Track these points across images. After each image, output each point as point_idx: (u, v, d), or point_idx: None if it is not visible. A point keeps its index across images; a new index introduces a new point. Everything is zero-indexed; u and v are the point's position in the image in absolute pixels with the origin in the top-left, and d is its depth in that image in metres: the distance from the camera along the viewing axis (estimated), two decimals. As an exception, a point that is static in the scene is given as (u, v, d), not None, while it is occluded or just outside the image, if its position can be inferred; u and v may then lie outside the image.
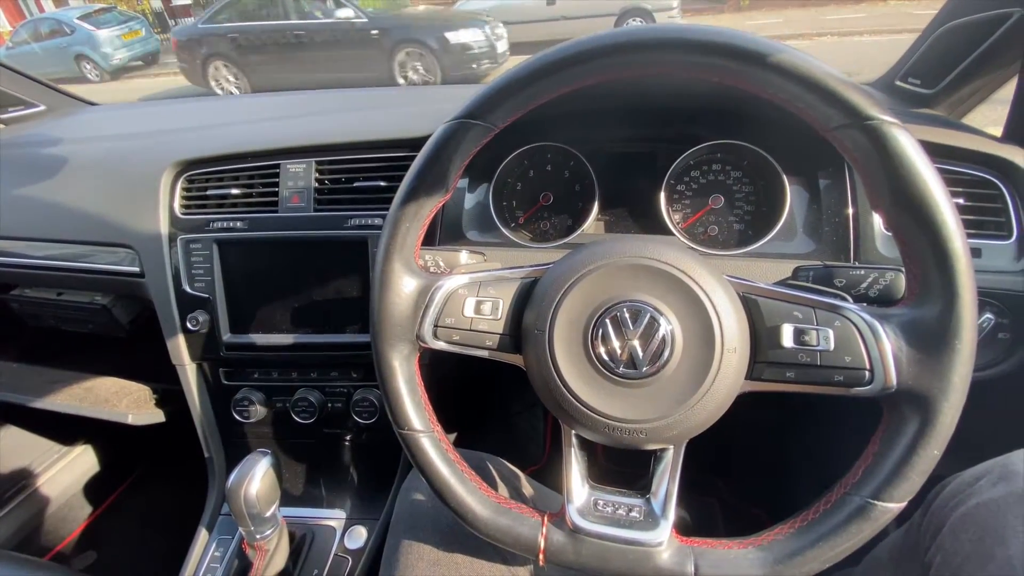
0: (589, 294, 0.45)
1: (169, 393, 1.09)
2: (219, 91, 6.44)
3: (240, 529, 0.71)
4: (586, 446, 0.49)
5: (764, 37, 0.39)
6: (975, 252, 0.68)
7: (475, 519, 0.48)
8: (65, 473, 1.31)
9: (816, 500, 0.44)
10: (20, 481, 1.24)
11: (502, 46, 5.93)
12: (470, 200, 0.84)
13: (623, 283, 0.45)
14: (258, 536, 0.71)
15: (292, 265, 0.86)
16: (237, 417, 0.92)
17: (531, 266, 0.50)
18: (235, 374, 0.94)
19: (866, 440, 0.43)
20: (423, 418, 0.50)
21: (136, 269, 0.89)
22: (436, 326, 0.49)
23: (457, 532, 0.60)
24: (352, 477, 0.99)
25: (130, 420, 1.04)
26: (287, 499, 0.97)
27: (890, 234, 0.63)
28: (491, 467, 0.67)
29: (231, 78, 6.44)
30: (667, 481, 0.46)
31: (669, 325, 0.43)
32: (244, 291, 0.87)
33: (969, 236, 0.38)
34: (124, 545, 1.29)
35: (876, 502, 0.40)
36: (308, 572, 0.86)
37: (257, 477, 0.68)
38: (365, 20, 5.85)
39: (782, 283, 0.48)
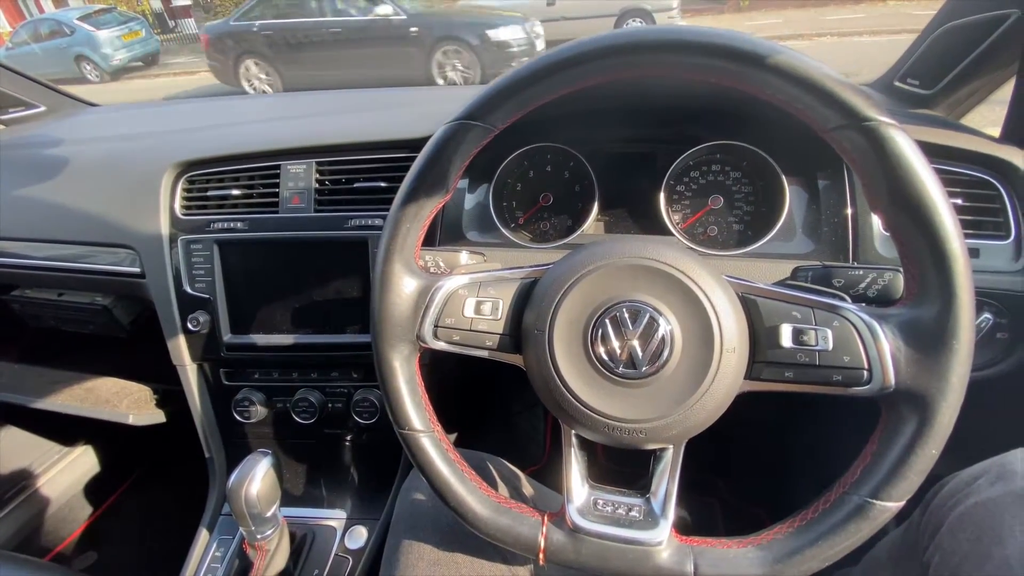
0: (589, 294, 0.45)
1: (170, 393, 1.10)
2: (250, 90, 6.28)
3: (241, 529, 0.71)
4: (586, 446, 0.49)
5: (762, 38, 0.39)
6: (973, 252, 0.68)
7: (475, 519, 0.48)
8: (66, 473, 1.31)
9: (815, 499, 0.44)
10: (21, 481, 1.24)
11: (540, 44, 5.82)
12: (470, 201, 0.84)
13: (623, 283, 0.45)
14: (259, 536, 0.72)
15: (292, 266, 0.86)
16: (238, 417, 0.92)
17: (531, 266, 0.51)
18: (236, 374, 0.94)
19: (864, 440, 0.43)
20: (423, 418, 0.50)
21: (137, 270, 0.89)
22: (436, 326, 0.49)
23: (457, 532, 0.60)
24: (352, 477, 1.00)
25: (131, 420, 1.05)
26: (288, 499, 0.97)
27: (888, 234, 0.63)
28: (491, 467, 0.67)
29: (263, 76, 6.28)
30: (667, 481, 0.46)
31: (668, 325, 0.44)
32: (245, 292, 0.87)
33: (967, 236, 0.38)
34: (124, 545, 1.29)
35: (875, 501, 0.40)
36: (309, 572, 0.86)
37: (258, 477, 0.68)
38: (404, 17, 5.67)
39: (781, 283, 0.48)
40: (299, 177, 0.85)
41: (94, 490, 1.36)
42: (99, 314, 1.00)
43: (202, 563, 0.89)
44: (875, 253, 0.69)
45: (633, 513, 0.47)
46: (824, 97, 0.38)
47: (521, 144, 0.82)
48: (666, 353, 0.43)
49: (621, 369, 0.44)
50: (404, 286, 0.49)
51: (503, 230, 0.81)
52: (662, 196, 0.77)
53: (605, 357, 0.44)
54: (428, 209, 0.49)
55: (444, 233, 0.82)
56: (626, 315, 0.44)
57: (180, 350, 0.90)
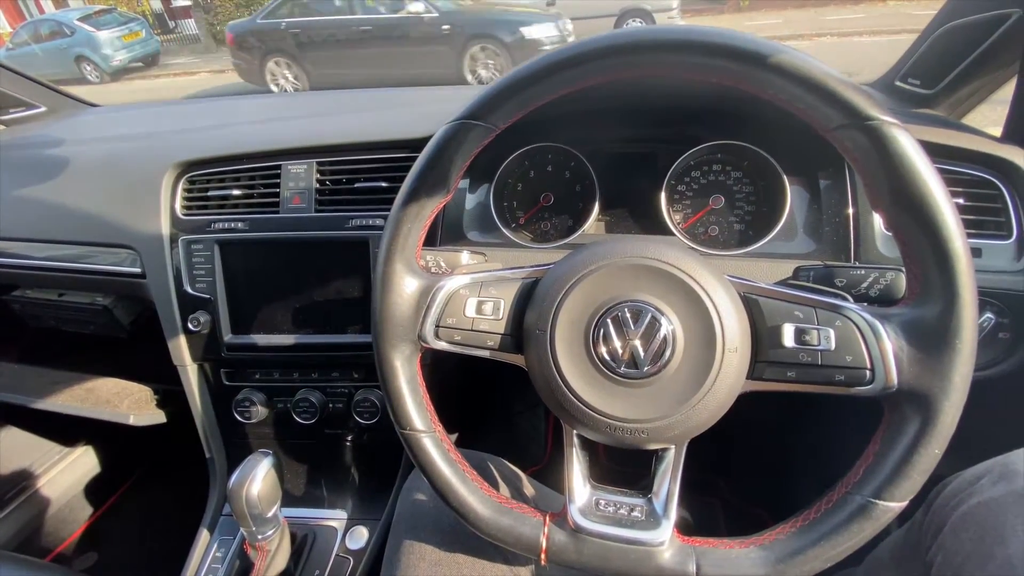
0: (590, 294, 0.45)
1: (170, 394, 1.10)
2: (275, 89, 6.18)
3: (241, 530, 0.71)
4: (588, 446, 0.49)
5: (764, 38, 0.39)
6: (975, 252, 0.68)
7: (477, 519, 0.48)
8: (66, 474, 1.31)
9: (817, 499, 0.44)
10: (21, 482, 1.24)
11: (572, 41, 5.84)
12: (471, 201, 0.84)
13: (624, 283, 0.45)
14: (259, 537, 0.72)
15: (293, 266, 0.86)
16: (238, 418, 0.92)
17: (532, 266, 0.51)
18: (236, 375, 0.94)
19: (867, 439, 0.43)
20: (425, 418, 0.50)
21: (137, 270, 0.89)
22: (438, 326, 0.49)
23: (459, 532, 0.60)
24: (353, 477, 0.99)
25: (131, 421, 1.05)
26: (288, 499, 0.97)
27: (890, 234, 0.63)
28: (492, 467, 0.67)
29: (289, 75, 6.19)
30: (668, 481, 0.46)
31: (670, 325, 0.43)
32: (245, 292, 0.87)
33: (969, 236, 0.38)
34: (125, 546, 1.29)
35: (877, 501, 0.40)
36: (309, 572, 0.86)
37: (258, 478, 0.68)
38: (436, 15, 5.59)
39: (783, 283, 0.48)
40: (300, 177, 0.85)
41: (95, 490, 1.35)
42: (99, 314, 1.00)
43: (203, 564, 0.89)
44: (877, 253, 0.69)
45: (635, 513, 0.47)
46: (826, 96, 0.38)
47: (522, 144, 0.82)
48: (668, 353, 0.43)
49: (623, 369, 0.44)
50: (405, 286, 0.49)
51: (504, 230, 0.81)
52: (663, 196, 0.77)
53: (607, 357, 0.44)
54: (429, 209, 0.48)
55: (445, 233, 0.82)
56: (628, 315, 0.44)
57: (181, 350, 0.90)
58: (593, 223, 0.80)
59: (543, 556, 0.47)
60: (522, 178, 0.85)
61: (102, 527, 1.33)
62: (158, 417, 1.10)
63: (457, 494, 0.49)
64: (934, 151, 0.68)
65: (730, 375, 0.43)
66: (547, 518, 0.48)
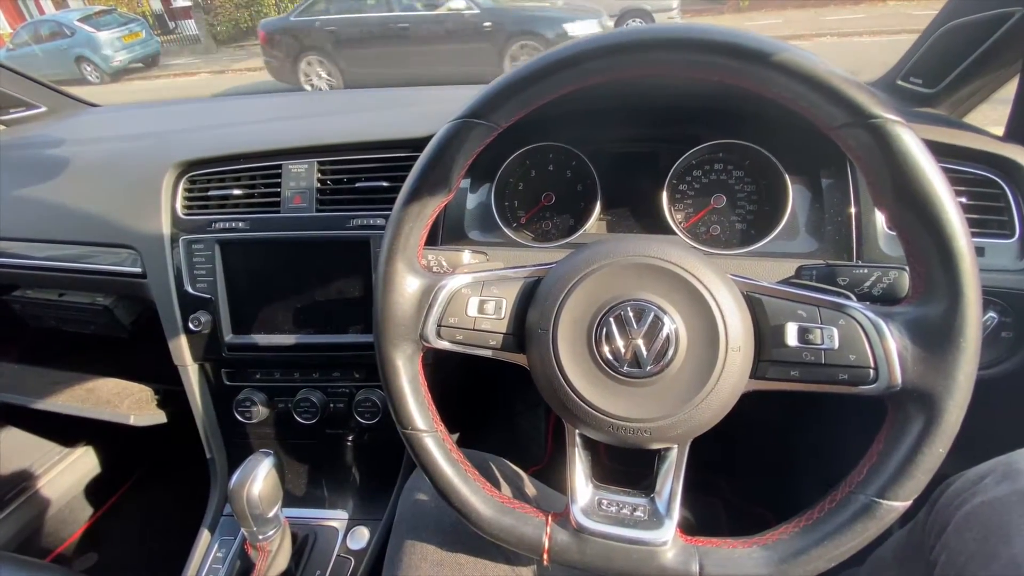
0: (593, 293, 0.45)
1: (171, 394, 1.09)
2: (309, 87, 6.00)
3: (242, 530, 0.71)
4: (590, 445, 0.49)
5: (767, 36, 0.39)
6: (978, 251, 0.67)
7: (479, 519, 0.48)
8: (66, 474, 1.31)
9: (821, 499, 0.44)
10: (21, 482, 1.24)
11: None
12: (472, 200, 0.84)
13: (626, 282, 0.45)
14: (260, 537, 0.71)
15: (294, 265, 0.86)
16: (239, 418, 0.92)
17: (534, 265, 0.50)
18: (237, 375, 0.94)
19: (870, 439, 0.43)
20: (426, 418, 0.50)
21: (138, 270, 0.89)
22: (439, 326, 0.49)
23: (460, 532, 0.60)
24: (354, 477, 0.99)
25: (132, 421, 1.04)
26: (289, 500, 0.97)
27: (893, 233, 0.63)
28: (494, 467, 0.67)
29: (323, 74, 5.96)
30: (671, 480, 0.46)
31: (673, 324, 0.43)
32: (246, 292, 0.87)
33: (972, 235, 0.38)
34: (125, 546, 1.29)
35: (881, 501, 0.40)
36: (310, 573, 0.86)
37: (259, 478, 0.68)
38: (477, 12, 5.40)
39: (786, 282, 0.48)
40: (301, 177, 0.85)
41: (95, 491, 1.35)
42: (100, 314, 1.00)
43: (203, 564, 0.89)
44: (879, 251, 0.69)
45: (638, 513, 0.47)
46: (830, 95, 0.38)
47: (523, 143, 0.82)
48: (671, 352, 0.43)
49: (626, 368, 0.44)
50: (407, 285, 0.49)
51: (505, 230, 0.81)
52: (664, 195, 0.76)
53: (610, 356, 0.44)
54: (431, 208, 0.48)
55: (446, 233, 0.82)
56: (630, 314, 0.44)
57: (181, 350, 0.90)
58: (595, 222, 0.80)
59: (545, 556, 0.46)
60: (523, 177, 0.85)
61: (102, 527, 1.33)
62: (159, 417, 1.10)
63: (459, 494, 0.49)
64: (937, 150, 0.68)
65: (733, 374, 0.43)
66: (549, 518, 0.48)
